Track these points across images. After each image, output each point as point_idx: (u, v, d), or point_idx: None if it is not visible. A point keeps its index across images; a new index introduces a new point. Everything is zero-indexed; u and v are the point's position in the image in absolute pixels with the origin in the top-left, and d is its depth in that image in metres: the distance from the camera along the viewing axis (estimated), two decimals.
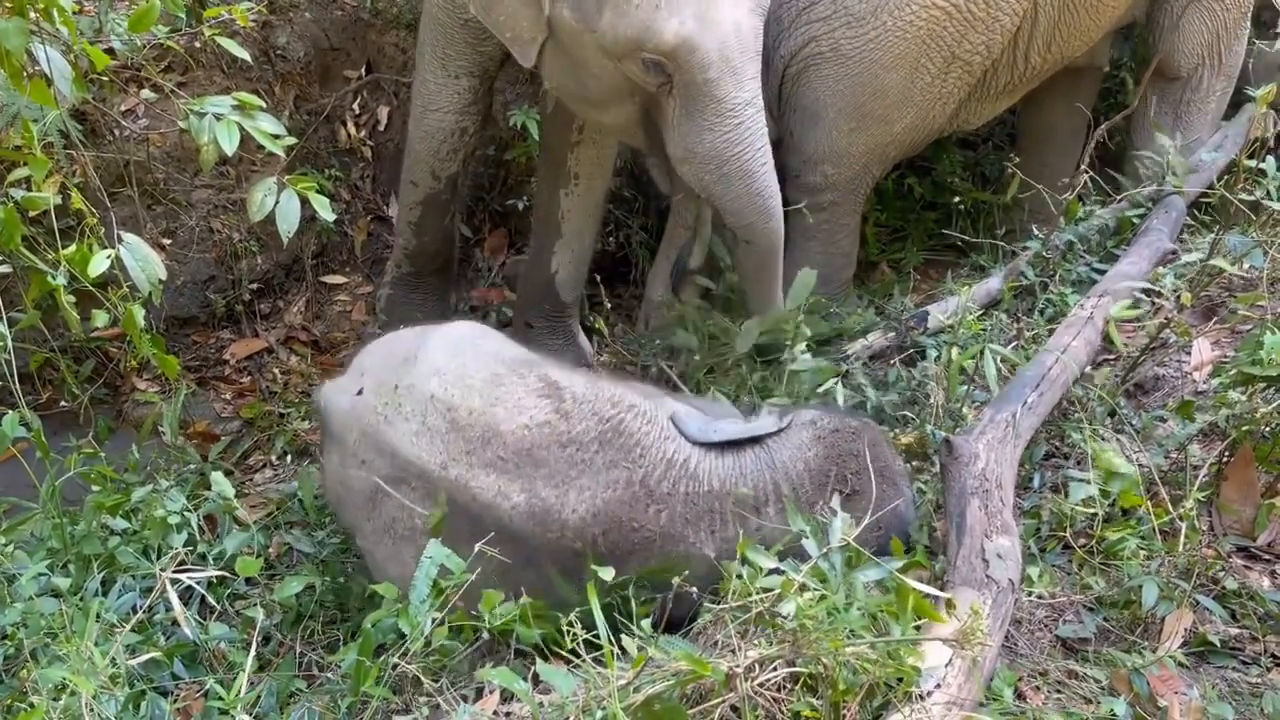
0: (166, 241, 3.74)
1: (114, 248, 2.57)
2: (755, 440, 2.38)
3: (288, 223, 3.20)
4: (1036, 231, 3.62)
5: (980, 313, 3.37)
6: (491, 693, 2.03)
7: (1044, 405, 2.69)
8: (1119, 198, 3.75)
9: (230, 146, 2.38)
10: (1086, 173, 3.66)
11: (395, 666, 1.87)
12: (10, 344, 2.41)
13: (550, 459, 2.23)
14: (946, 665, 1.70)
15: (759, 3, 2.71)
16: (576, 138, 3.39)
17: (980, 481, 2.26)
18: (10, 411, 2.34)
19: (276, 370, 3.75)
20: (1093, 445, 2.56)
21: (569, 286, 3.67)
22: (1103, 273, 3.36)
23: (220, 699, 1.94)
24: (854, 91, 3.41)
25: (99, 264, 2.48)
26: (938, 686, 1.67)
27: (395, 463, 2.25)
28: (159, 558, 2.41)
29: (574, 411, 2.30)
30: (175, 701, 2.13)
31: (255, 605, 2.27)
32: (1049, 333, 3.14)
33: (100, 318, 2.61)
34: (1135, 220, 3.59)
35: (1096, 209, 3.64)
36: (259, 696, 2.08)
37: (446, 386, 2.28)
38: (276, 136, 2.53)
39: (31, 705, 1.55)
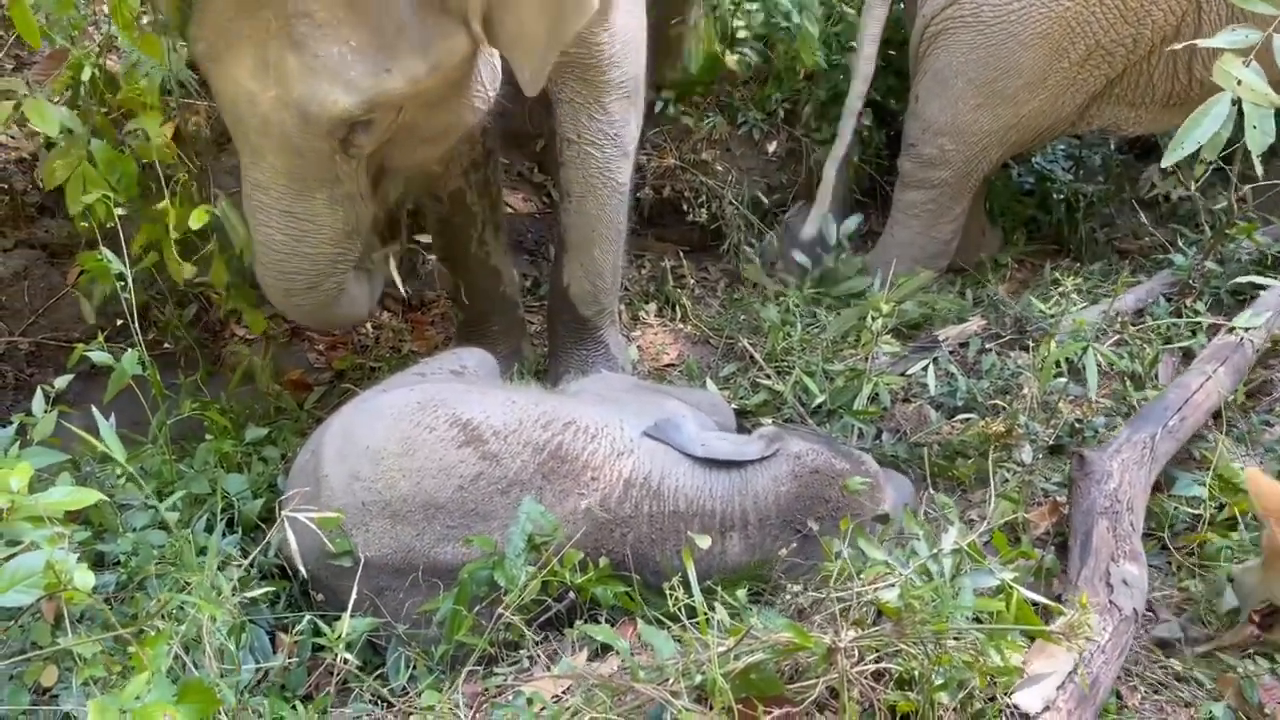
0: None
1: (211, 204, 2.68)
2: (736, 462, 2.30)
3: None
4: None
5: (1083, 306, 3.30)
6: (580, 649, 2.06)
7: (1185, 430, 2.59)
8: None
9: None
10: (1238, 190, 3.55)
11: (498, 617, 1.89)
12: (131, 284, 2.49)
13: (498, 509, 2.14)
14: (1058, 689, 1.66)
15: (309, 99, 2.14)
16: (561, 159, 3.10)
17: (1111, 502, 2.20)
18: (130, 349, 2.42)
19: (369, 325, 3.82)
20: (1222, 451, 2.49)
21: (585, 301, 3.33)
22: (1237, 293, 3.23)
23: (321, 635, 2.00)
24: (986, 64, 3.32)
25: (195, 220, 2.61)
26: (1047, 709, 1.64)
27: (368, 570, 2.15)
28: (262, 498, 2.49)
29: (502, 451, 2.18)
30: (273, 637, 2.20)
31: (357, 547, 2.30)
32: (1165, 344, 3.06)
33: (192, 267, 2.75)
34: None
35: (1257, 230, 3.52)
36: (353, 642, 2.12)
37: (368, 487, 2.17)
38: None
39: (157, 629, 1.62)
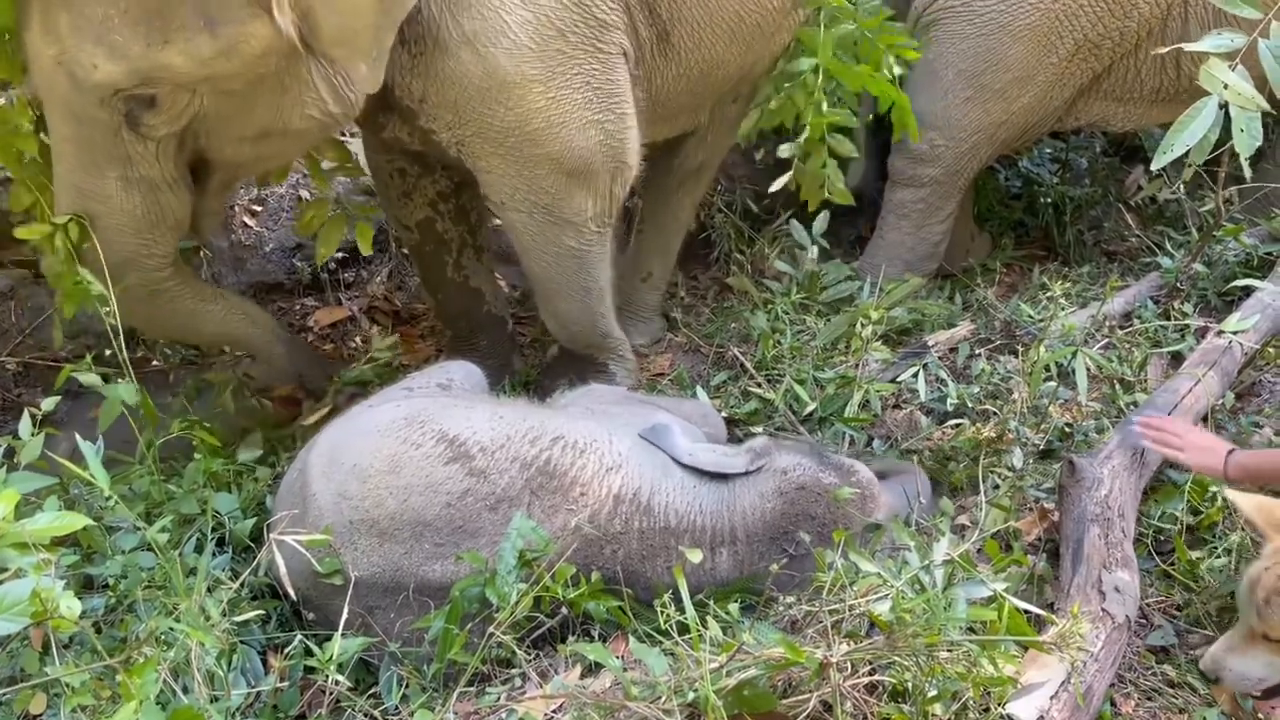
0: (257, 208, 3.83)
1: None
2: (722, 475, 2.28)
3: (328, 247, 3.24)
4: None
5: (1072, 310, 3.30)
6: (572, 666, 2.05)
7: None
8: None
9: None
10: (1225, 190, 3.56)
11: (490, 635, 1.88)
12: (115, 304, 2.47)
13: (486, 526, 2.12)
14: (1051, 698, 1.66)
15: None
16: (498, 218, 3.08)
17: (1102, 509, 2.19)
18: (121, 374, 2.40)
19: (358, 339, 3.81)
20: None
21: (568, 341, 3.27)
22: (1225, 295, 3.25)
23: (313, 656, 1.99)
24: (977, 55, 3.35)
25: None
26: (1041, 719, 1.64)
27: (358, 589, 2.11)
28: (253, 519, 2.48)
29: (490, 467, 2.16)
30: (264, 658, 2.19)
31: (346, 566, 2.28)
32: (1153, 347, 3.07)
33: None
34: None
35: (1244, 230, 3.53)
36: (345, 663, 2.10)
37: (355, 505, 2.15)
38: None
39: (145, 655, 1.61)
